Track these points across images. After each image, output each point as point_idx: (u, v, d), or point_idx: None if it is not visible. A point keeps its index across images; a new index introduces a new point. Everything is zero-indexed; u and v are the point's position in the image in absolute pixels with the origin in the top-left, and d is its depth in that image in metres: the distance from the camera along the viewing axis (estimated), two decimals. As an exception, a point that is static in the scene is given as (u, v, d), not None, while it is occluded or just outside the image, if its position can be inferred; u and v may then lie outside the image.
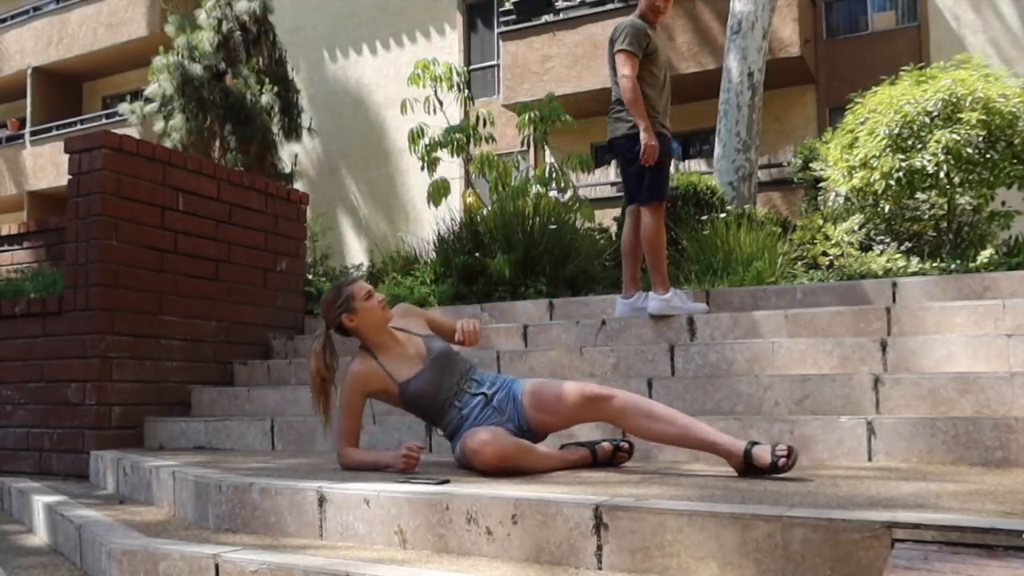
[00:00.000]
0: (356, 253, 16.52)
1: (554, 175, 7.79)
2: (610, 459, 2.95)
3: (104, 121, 17.93)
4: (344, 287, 3.06)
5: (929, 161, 5.67)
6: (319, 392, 3.03)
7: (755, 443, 2.56)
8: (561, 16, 13.98)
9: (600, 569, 1.94)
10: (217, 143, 13.82)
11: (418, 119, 8.46)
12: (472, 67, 16.02)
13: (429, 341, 3.07)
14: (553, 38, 13.94)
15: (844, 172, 6.27)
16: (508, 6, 14.55)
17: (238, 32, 14.14)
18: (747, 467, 2.53)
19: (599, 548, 1.95)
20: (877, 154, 5.91)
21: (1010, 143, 5.74)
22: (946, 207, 6.11)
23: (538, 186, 7.52)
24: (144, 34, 17.77)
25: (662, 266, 4.36)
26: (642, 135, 4.24)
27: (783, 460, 2.47)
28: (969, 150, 5.63)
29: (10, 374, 4.77)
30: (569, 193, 7.84)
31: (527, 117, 8.12)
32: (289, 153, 15.60)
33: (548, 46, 13.96)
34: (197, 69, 13.67)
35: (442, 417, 2.99)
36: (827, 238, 6.28)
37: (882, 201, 6.14)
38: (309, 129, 15.25)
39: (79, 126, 18.58)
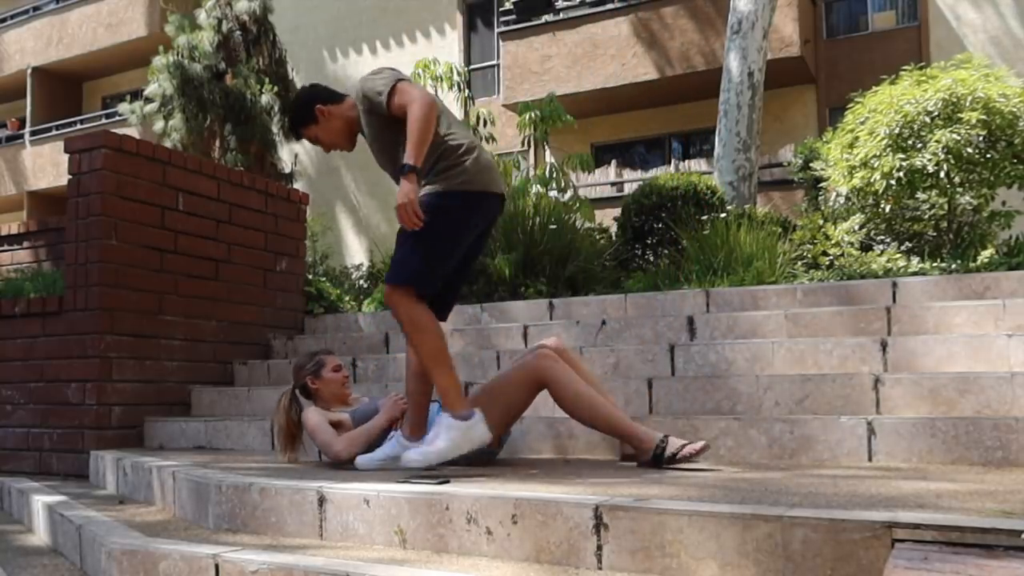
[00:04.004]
0: (356, 253, 16.52)
1: (554, 175, 7.80)
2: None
3: (104, 121, 17.92)
4: (320, 354, 3.43)
5: (929, 161, 5.67)
6: (287, 442, 3.38)
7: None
8: (561, 16, 13.96)
9: (600, 569, 1.94)
10: (217, 143, 13.81)
11: (418, 119, 8.43)
12: (472, 67, 16.01)
13: (352, 413, 3.33)
14: (553, 38, 13.93)
15: (844, 172, 6.26)
16: (508, 6, 14.54)
17: (238, 32, 14.12)
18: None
19: (599, 548, 1.95)
20: (877, 154, 5.91)
21: (1010, 143, 5.74)
22: (946, 207, 6.11)
23: (538, 186, 7.52)
24: (144, 34, 17.76)
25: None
26: None
27: (691, 449, 2.71)
28: (969, 150, 5.63)
29: (10, 374, 4.77)
30: (569, 193, 7.84)
31: (527, 117, 8.12)
32: (289, 153, 15.58)
33: (548, 46, 13.95)
34: (197, 69, 13.65)
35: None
36: (827, 238, 6.28)
37: (882, 201, 6.13)
38: (309, 129, 15.21)
39: (79, 126, 18.57)
